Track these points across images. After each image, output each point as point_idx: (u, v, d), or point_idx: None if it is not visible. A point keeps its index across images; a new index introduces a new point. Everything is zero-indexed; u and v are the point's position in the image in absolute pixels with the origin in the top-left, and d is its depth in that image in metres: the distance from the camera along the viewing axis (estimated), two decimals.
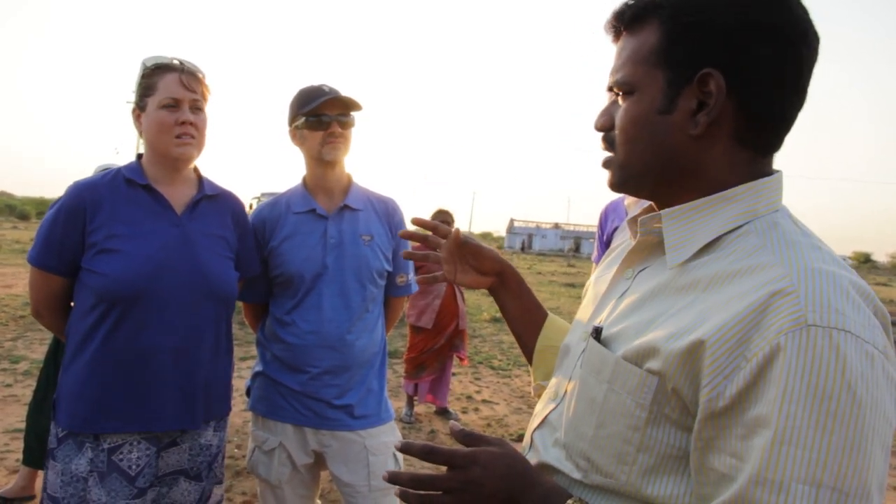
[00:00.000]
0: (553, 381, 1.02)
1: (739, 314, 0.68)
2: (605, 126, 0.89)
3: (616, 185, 0.90)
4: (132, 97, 1.76)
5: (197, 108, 1.70)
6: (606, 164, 0.90)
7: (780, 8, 0.76)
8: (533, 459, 0.92)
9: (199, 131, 1.71)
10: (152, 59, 1.72)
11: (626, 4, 0.84)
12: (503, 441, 0.84)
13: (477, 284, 1.22)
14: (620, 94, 0.85)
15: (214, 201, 1.82)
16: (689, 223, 0.81)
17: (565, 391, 0.93)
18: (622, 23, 0.85)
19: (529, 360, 1.23)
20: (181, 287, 1.66)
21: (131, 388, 1.62)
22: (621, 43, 0.86)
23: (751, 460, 0.64)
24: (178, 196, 1.74)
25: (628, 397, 0.77)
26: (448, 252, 1.20)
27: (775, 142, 0.82)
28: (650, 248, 0.89)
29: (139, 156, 1.78)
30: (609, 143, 0.88)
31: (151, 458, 1.67)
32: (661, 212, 0.84)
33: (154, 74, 1.69)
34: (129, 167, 1.74)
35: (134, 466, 1.64)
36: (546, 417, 0.95)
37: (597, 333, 0.86)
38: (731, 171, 0.81)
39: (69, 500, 1.61)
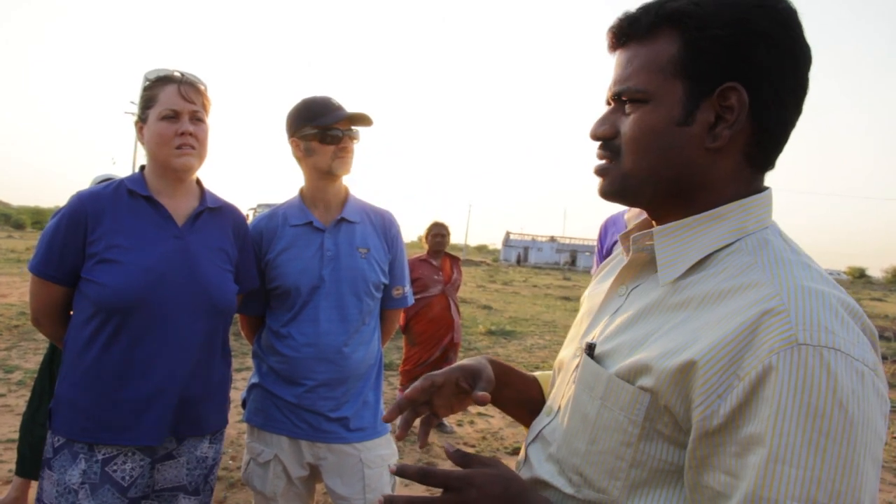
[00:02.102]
0: (549, 395, 1.02)
1: (731, 333, 0.69)
2: (608, 135, 0.85)
3: (612, 194, 0.87)
4: (131, 108, 1.78)
5: (197, 118, 1.70)
6: (602, 171, 0.87)
7: (797, 29, 0.78)
8: (527, 474, 0.92)
9: (200, 142, 1.71)
10: (153, 72, 1.73)
11: (642, 12, 0.81)
12: (498, 462, 0.84)
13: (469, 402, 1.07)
14: (629, 102, 0.82)
15: (216, 214, 1.82)
16: (680, 241, 0.82)
17: (559, 406, 0.93)
18: (637, 30, 0.82)
19: (521, 419, 1.14)
20: (180, 299, 1.66)
21: (129, 399, 1.62)
22: (630, 51, 0.83)
23: (746, 478, 0.64)
24: (180, 207, 1.75)
25: (621, 413, 0.77)
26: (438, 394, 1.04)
27: (774, 159, 0.83)
28: (643, 264, 0.89)
29: (142, 167, 1.79)
30: (613, 151, 0.85)
31: (145, 469, 1.67)
32: (653, 230, 0.84)
33: (155, 87, 1.70)
34: (131, 178, 1.75)
35: (127, 478, 1.64)
36: (540, 432, 0.95)
37: (590, 350, 0.86)
38: (733, 188, 0.81)
39: None
